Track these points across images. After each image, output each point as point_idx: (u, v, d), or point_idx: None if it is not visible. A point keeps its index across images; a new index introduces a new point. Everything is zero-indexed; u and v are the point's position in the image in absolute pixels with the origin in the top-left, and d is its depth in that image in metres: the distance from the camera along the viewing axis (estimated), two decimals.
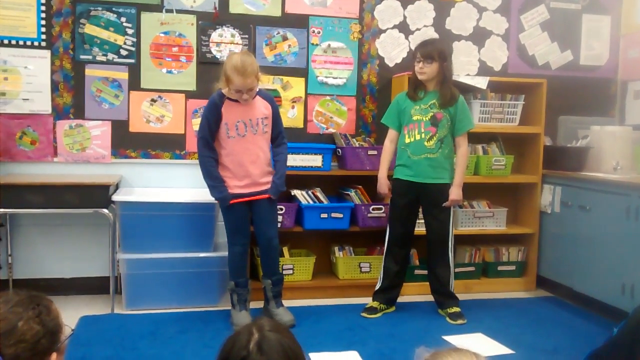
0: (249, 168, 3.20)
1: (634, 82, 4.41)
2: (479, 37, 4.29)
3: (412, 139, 3.39)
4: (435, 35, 4.15)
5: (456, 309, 3.44)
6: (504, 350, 2.98)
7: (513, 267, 4.16)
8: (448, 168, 3.43)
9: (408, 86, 3.50)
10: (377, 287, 3.58)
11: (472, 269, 4.08)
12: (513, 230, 4.16)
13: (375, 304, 3.50)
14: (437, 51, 3.32)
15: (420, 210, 3.54)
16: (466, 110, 3.43)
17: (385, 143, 3.55)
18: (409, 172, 3.40)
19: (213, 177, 3.19)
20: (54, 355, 1.27)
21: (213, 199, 3.24)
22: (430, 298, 3.60)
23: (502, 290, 4.06)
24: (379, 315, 3.47)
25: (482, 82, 3.93)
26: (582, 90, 4.48)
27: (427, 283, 3.62)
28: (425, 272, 3.72)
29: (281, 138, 3.32)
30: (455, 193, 3.39)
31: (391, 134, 3.52)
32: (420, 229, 3.59)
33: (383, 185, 3.50)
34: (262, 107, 3.24)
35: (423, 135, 3.36)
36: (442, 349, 1.10)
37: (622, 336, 2.18)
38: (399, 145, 3.47)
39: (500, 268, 4.14)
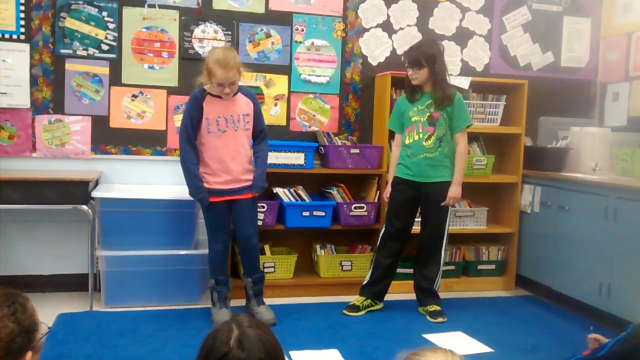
0: (229, 164, 3.18)
1: (613, 84, 4.47)
2: (462, 37, 4.32)
3: (412, 140, 3.41)
4: (418, 35, 4.17)
5: (436, 308, 3.46)
6: (484, 348, 3.00)
7: (493, 266, 4.20)
8: (448, 166, 3.43)
9: (405, 89, 3.51)
10: (365, 281, 3.58)
11: (452, 267, 4.10)
12: (493, 230, 4.19)
13: (359, 302, 3.50)
14: (423, 56, 3.32)
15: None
16: (463, 107, 3.43)
17: (392, 148, 3.60)
18: (409, 172, 3.43)
19: (192, 177, 3.16)
20: (29, 354, 1.24)
21: None
22: (411, 297, 3.61)
23: (482, 289, 4.10)
24: (361, 313, 3.47)
25: (464, 82, 3.96)
26: (563, 92, 4.53)
27: (409, 282, 3.64)
28: (407, 270, 3.75)
29: (263, 135, 3.31)
30: (453, 190, 3.39)
31: (397, 138, 3.56)
32: (416, 227, 3.58)
33: (388, 190, 3.54)
34: (243, 104, 3.22)
35: (421, 135, 3.38)
36: (418, 349, 1.11)
37: (615, 354, 2.16)
38: (401, 147, 3.50)
39: (480, 267, 4.17)
